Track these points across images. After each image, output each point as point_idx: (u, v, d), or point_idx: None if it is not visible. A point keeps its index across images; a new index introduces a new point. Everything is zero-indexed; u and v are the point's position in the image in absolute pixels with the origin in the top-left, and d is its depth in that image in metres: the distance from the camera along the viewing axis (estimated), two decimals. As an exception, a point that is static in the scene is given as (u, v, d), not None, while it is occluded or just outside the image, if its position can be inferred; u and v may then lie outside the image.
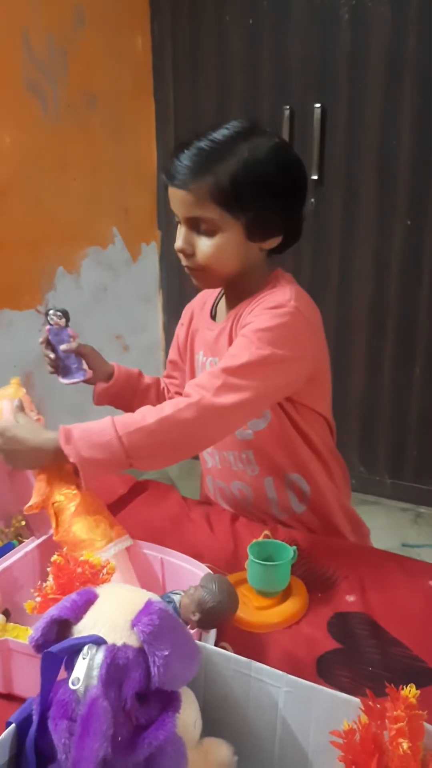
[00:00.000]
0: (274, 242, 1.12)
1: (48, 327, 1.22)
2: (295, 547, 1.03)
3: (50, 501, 1.01)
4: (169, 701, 0.64)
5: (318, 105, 2.34)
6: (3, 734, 0.62)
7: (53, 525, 1.00)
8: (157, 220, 2.76)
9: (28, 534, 1.07)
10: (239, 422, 1.11)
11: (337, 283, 2.50)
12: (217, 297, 1.27)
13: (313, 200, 2.44)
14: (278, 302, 1.09)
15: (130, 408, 1.32)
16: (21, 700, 0.81)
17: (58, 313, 1.21)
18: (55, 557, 0.84)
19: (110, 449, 0.99)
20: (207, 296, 1.30)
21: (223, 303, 1.24)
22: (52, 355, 1.23)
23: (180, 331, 1.34)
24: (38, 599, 0.82)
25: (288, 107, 2.39)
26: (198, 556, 1.01)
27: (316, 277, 2.50)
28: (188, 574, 0.96)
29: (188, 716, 0.67)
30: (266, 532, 1.14)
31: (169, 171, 1.09)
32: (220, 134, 1.07)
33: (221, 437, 1.14)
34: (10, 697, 0.82)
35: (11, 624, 0.89)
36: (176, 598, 0.86)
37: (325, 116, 2.36)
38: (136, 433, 0.99)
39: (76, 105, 2.29)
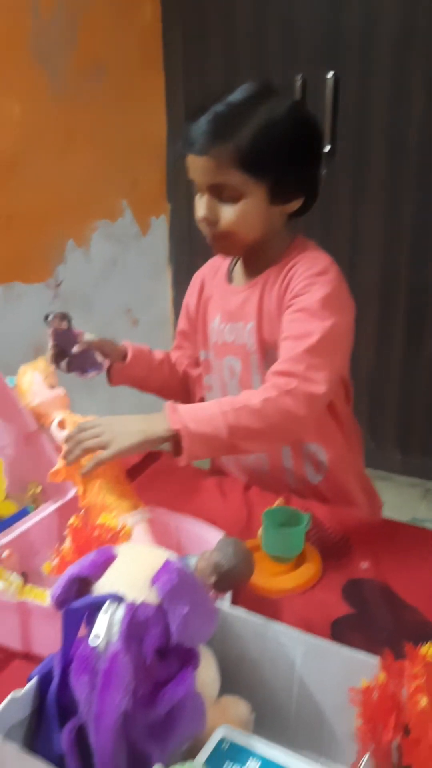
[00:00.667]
0: (295, 205, 1.11)
1: (52, 331, 1.18)
2: (309, 514, 1.04)
3: (77, 468, 1.02)
4: (188, 658, 0.65)
5: (330, 74, 2.31)
6: (25, 688, 0.63)
7: (80, 491, 1.01)
8: (166, 192, 2.74)
9: (44, 500, 1.08)
10: (327, 401, 1.12)
11: (348, 256, 2.48)
12: (231, 263, 1.25)
13: (324, 171, 2.42)
14: (323, 267, 1.10)
15: (146, 385, 1.33)
16: (39, 659, 0.81)
17: (59, 316, 1.17)
18: (72, 520, 0.84)
19: (214, 424, 0.99)
20: (218, 263, 1.29)
21: (240, 268, 1.22)
22: (63, 364, 1.20)
23: (190, 300, 1.32)
24: (56, 561, 0.83)
25: (300, 76, 2.35)
26: (212, 524, 1.02)
27: (325, 249, 2.47)
28: (203, 540, 0.97)
29: (206, 674, 0.67)
30: (280, 500, 1.14)
31: (187, 138, 1.06)
32: (236, 97, 1.05)
33: (316, 420, 1.13)
34: (29, 657, 0.83)
35: (28, 586, 0.90)
36: (192, 561, 0.87)
37: (338, 85, 2.32)
38: (241, 411, 1.00)
39: (84, 75, 2.26)
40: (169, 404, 1.01)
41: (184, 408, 1.01)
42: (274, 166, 1.05)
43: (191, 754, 0.64)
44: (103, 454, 0.97)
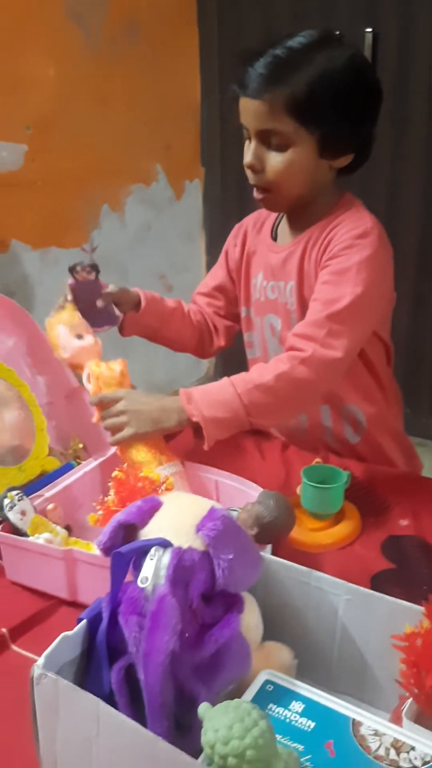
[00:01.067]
0: (345, 161, 1.08)
1: (72, 282, 1.15)
2: (348, 472, 1.04)
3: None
4: (232, 603, 0.66)
5: (369, 30, 2.24)
6: (75, 629, 0.64)
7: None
8: (200, 156, 2.71)
9: (86, 456, 1.09)
10: (346, 367, 1.10)
11: (385, 215, 2.43)
12: (276, 218, 1.23)
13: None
14: (364, 229, 1.07)
15: (157, 336, 1.29)
16: (85, 606, 0.84)
17: (87, 268, 1.16)
18: (116, 473, 0.86)
19: (231, 407, 1.01)
20: (264, 217, 1.26)
21: (285, 225, 1.20)
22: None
23: (233, 251, 1.29)
24: (100, 512, 0.84)
25: (338, 33, 2.29)
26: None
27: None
28: (242, 495, 0.98)
29: (251, 619, 0.69)
30: (318, 459, 1.15)
31: (241, 80, 1.03)
32: (296, 42, 1.01)
33: (334, 386, 1.14)
34: (75, 604, 0.86)
35: (73, 538, 0.92)
36: (234, 514, 0.88)
37: (376, 42, 2.26)
38: (255, 390, 1.01)
39: (118, 33, 2.24)
40: (183, 394, 1.02)
41: (198, 395, 1.02)
42: (327, 117, 1.02)
43: (236, 696, 0.65)
44: (118, 435, 1.01)
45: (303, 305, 1.15)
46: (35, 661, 0.77)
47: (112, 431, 1.02)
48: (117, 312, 1.21)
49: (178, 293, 2.79)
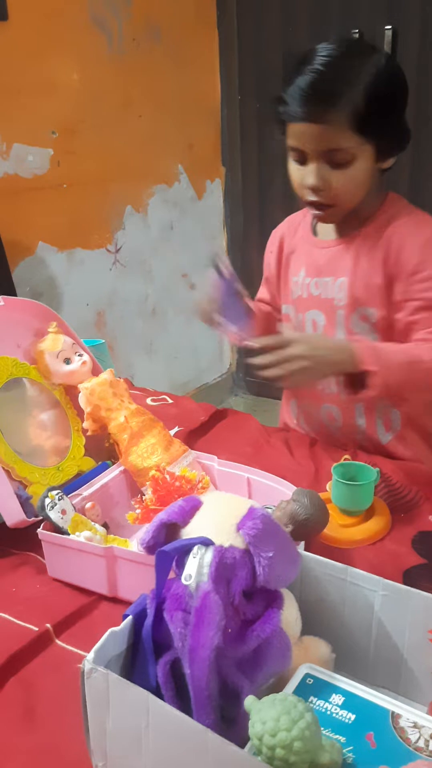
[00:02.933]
0: (392, 161, 1.11)
1: (217, 278, 1.10)
2: (378, 469, 1.05)
3: (107, 432, 1.06)
4: (272, 599, 0.68)
5: (389, 27, 2.25)
6: (122, 624, 0.67)
7: (122, 447, 1.05)
8: (221, 156, 2.73)
9: (118, 454, 1.12)
10: None
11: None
12: (313, 217, 1.24)
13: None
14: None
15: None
16: (125, 602, 0.87)
17: (228, 263, 1.10)
18: (153, 472, 0.88)
19: (402, 372, 1.04)
20: (299, 219, 1.29)
21: (326, 225, 1.21)
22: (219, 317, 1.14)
23: (270, 258, 1.32)
24: (139, 511, 0.87)
25: (357, 30, 2.30)
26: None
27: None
28: (274, 493, 1.00)
29: (290, 614, 0.70)
30: (347, 456, 1.16)
31: (294, 107, 1.03)
32: (333, 57, 1.02)
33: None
34: (115, 600, 0.88)
35: (111, 536, 0.95)
36: (268, 512, 0.89)
37: (396, 39, 2.26)
38: (413, 365, 1.04)
39: (140, 38, 2.26)
40: (361, 344, 1.04)
41: (374, 349, 1.03)
42: (383, 123, 1.04)
43: (276, 690, 0.67)
44: (298, 381, 1.03)
45: (353, 301, 1.17)
46: (79, 655, 0.80)
47: (285, 377, 0.99)
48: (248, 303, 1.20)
49: (201, 291, 2.81)
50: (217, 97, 2.64)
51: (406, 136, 1.10)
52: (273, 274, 1.32)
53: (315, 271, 1.21)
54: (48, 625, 0.83)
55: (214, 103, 2.64)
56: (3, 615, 0.86)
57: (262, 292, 1.39)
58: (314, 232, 1.24)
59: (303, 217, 1.28)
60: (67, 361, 1.09)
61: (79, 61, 2.07)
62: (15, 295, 1.86)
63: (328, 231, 1.21)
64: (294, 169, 1.10)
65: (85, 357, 1.11)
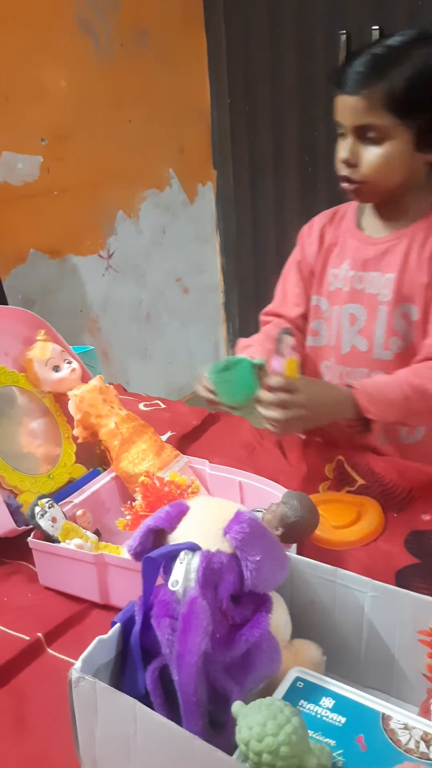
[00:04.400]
0: None
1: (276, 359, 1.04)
2: (261, 361, 1.03)
3: (97, 439, 1.06)
4: (261, 603, 0.67)
5: (376, 27, 2.25)
6: (110, 632, 0.66)
7: (113, 454, 1.05)
8: (212, 158, 2.73)
9: (110, 461, 1.11)
10: None
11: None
12: (359, 211, 1.25)
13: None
14: None
15: None
16: (116, 609, 0.86)
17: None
18: (143, 478, 0.88)
19: (398, 407, 1.07)
20: (342, 212, 1.28)
21: (374, 218, 1.22)
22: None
23: (309, 249, 1.29)
24: (129, 517, 0.86)
25: (344, 31, 2.30)
26: (273, 481, 1.04)
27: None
28: (266, 496, 0.99)
29: (279, 617, 0.70)
30: (340, 457, 1.16)
31: (339, 78, 1.07)
32: (394, 41, 1.06)
33: None
34: (107, 607, 0.88)
35: (103, 543, 0.95)
36: (258, 515, 0.89)
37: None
38: (423, 395, 1.06)
39: (127, 42, 2.26)
40: (360, 392, 1.05)
41: (373, 393, 1.06)
42: (426, 110, 1.05)
43: (266, 694, 0.67)
44: (291, 429, 1.05)
45: (399, 298, 1.17)
46: (71, 663, 0.79)
47: (274, 423, 1.01)
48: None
49: (195, 295, 2.82)
50: (207, 99, 2.64)
51: None
52: (310, 266, 1.30)
53: (361, 265, 1.21)
54: (39, 634, 0.83)
55: (204, 106, 2.64)
56: (-6, 624, 0.86)
57: (282, 302, 1.34)
58: (360, 227, 1.24)
59: (345, 211, 1.28)
60: (56, 368, 1.09)
61: (67, 66, 2.07)
62: (6, 303, 1.86)
63: (377, 227, 1.22)
64: (338, 146, 1.12)
65: (75, 364, 1.10)
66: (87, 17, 2.10)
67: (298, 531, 0.85)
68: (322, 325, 1.28)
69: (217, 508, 0.71)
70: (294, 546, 0.90)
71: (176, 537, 0.69)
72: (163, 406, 1.48)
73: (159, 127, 2.45)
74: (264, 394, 1.00)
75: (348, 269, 1.22)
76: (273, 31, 2.46)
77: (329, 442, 1.27)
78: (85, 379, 1.12)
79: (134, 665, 0.66)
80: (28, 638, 0.83)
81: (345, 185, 1.13)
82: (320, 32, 2.36)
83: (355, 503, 1.06)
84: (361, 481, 1.14)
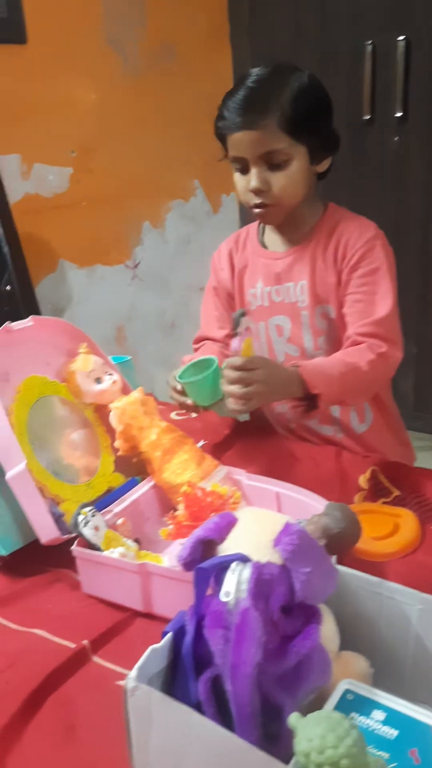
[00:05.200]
0: (325, 164, 1.22)
1: (236, 337, 1.13)
2: (214, 359, 1.15)
3: (138, 451, 1.07)
4: (311, 614, 0.68)
5: (402, 38, 2.26)
6: (161, 642, 0.67)
7: (155, 466, 1.05)
8: (236, 169, 2.75)
9: (151, 472, 1.12)
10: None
11: (420, 222, 2.44)
12: (258, 233, 1.34)
13: (397, 138, 2.38)
14: (374, 232, 1.23)
15: None
16: (159, 618, 0.87)
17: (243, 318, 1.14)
18: (185, 488, 0.88)
19: (339, 383, 1.14)
20: (243, 236, 1.38)
21: (275, 236, 1.31)
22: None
23: (222, 275, 1.38)
24: (171, 527, 0.87)
25: (370, 42, 2.31)
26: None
27: (398, 216, 2.44)
28: (304, 506, 1.00)
29: (328, 629, 0.71)
30: (374, 467, 1.17)
31: (231, 119, 1.15)
32: (260, 75, 1.15)
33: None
34: (150, 616, 0.89)
35: (143, 551, 0.95)
36: (299, 525, 0.90)
37: (409, 49, 2.27)
38: (355, 372, 1.15)
39: (154, 56, 2.29)
40: (305, 369, 1.11)
41: (315, 370, 1.12)
42: (313, 126, 1.16)
43: (316, 706, 0.68)
44: (246, 405, 1.07)
45: (314, 301, 1.27)
46: (116, 672, 0.81)
47: (238, 398, 1.06)
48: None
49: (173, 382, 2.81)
50: (232, 111, 2.66)
51: (335, 139, 1.22)
52: (228, 290, 1.39)
53: (274, 279, 1.30)
54: (85, 642, 0.84)
55: (229, 118, 2.66)
56: (39, 632, 0.87)
57: (207, 328, 1.43)
58: (264, 246, 1.33)
59: (247, 234, 1.37)
60: (98, 380, 1.11)
61: (95, 81, 2.10)
62: (39, 312, 1.88)
63: (278, 243, 1.31)
64: (238, 179, 1.21)
65: (116, 376, 1.12)
66: (115, 34, 2.13)
67: (341, 543, 0.85)
68: (254, 343, 1.34)
69: (265, 520, 0.72)
70: (333, 558, 0.90)
71: (226, 548, 0.70)
72: (194, 415, 1.49)
73: (184, 139, 2.47)
74: (227, 372, 1.07)
75: (263, 286, 1.32)
76: (298, 44, 2.47)
77: (276, 422, 1.38)
78: (125, 391, 1.13)
79: (186, 675, 0.67)
80: (73, 646, 0.83)
81: (257, 210, 1.21)
82: (345, 44, 2.37)
83: (391, 514, 1.06)
84: (396, 492, 1.14)
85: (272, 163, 1.15)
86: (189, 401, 1.18)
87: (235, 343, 1.10)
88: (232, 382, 1.06)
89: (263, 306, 1.33)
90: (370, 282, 1.20)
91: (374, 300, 1.20)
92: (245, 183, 1.19)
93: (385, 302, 1.19)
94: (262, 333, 1.35)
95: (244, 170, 1.18)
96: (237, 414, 1.11)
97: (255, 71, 1.17)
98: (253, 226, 1.38)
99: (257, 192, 1.17)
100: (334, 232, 1.25)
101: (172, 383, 1.19)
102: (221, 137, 1.20)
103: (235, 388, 1.06)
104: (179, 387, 1.18)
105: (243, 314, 1.12)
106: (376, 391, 1.31)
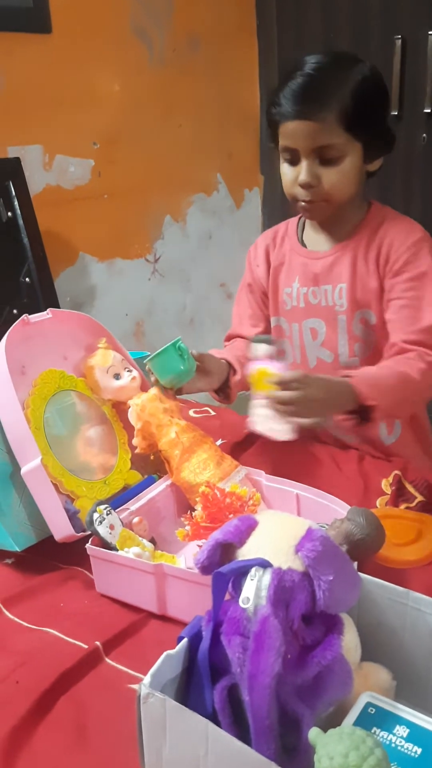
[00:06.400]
0: (378, 163, 1.16)
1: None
2: (178, 341, 1.10)
3: (156, 449, 1.05)
4: (333, 624, 0.66)
5: (432, 32, 2.21)
6: (177, 647, 0.65)
7: (173, 465, 1.03)
8: (260, 164, 2.72)
9: (169, 471, 1.10)
10: None
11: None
12: (298, 230, 1.28)
13: (425, 135, 2.33)
14: (421, 234, 1.17)
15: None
16: (174, 620, 0.85)
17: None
18: (203, 489, 0.86)
19: (393, 395, 1.07)
20: (282, 232, 1.31)
21: (317, 234, 1.25)
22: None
23: (257, 272, 1.32)
24: (188, 527, 0.85)
25: (399, 37, 2.27)
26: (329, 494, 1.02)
27: (425, 212, 2.40)
28: (324, 510, 0.97)
29: (350, 639, 0.68)
30: (397, 472, 1.14)
31: (287, 106, 1.08)
32: (322, 64, 1.09)
33: None
34: (164, 618, 0.87)
35: (159, 552, 0.93)
36: (327, 533, 0.87)
37: (441, 46, 2.23)
38: (408, 382, 1.08)
39: (180, 48, 2.26)
40: (358, 380, 1.05)
41: (369, 380, 1.06)
42: (372, 122, 1.10)
43: (336, 718, 0.65)
44: (301, 421, 1.01)
45: (354, 306, 1.21)
46: (129, 674, 0.79)
47: (289, 414, 1.00)
48: None
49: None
50: (256, 105, 2.63)
51: (390, 138, 1.16)
52: (262, 288, 1.33)
53: (311, 280, 1.24)
54: (98, 643, 0.82)
55: (253, 112, 2.63)
56: (52, 631, 0.85)
57: (239, 325, 1.38)
58: (303, 243, 1.27)
59: (286, 230, 1.31)
60: (117, 376, 1.09)
61: (120, 72, 2.08)
62: (58, 305, 1.87)
63: (318, 242, 1.25)
64: (286, 170, 1.15)
65: (135, 372, 1.10)
66: (141, 24, 2.11)
67: (364, 549, 0.83)
68: (286, 344, 1.30)
69: (287, 524, 0.69)
70: (355, 564, 0.88)
71: (246, 552, 0.67)
72: (212, 413, 1.46)
73: (208, 132, 2.45)
74: (280, 394, 1.00)
75: (299, 287, 1.25)
76: (326, 36, 2.43)
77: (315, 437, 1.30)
78: (144, 387, 1.11)
79: (201, 682, 0.65)
80: (86, 646, 0.82)
81: (302, 204, 1.16)
82: (374, 37, 2.33)
83: (415, 520, 1.03)
84: (420, 498, 1.11)
85: (325, 157, 1.10)
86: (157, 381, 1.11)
87: (247, 369, 1.07)
88: (287, 402, 0.99)
89: (298, 307, 1.27)
90: (417, 287, 1.14)
91: (421, 306, 1.13)
92: (294, 175, 1.13)
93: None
94: (295, 335, 1.29)
95: (294, 161, 1.12)
96: (292, 435, 1.04)
97: (314, 58, 1.10)
98: (293, 221, 1.31)
99: (306, 186, 1.12)
100: (377, 233, 1.18)
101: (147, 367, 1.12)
102: (273, 124, 1.13)
103: (290, 408, 1.00)
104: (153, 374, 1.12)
105: (265, 341, 1.08)
106: (427, 401, 1.25)
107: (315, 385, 1.01)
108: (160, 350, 1.09)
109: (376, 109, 1.12)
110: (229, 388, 1.26)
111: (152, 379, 1.10)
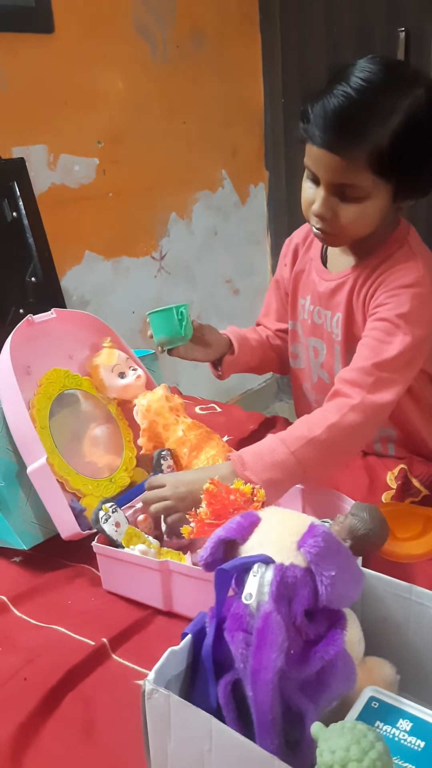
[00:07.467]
0: (409, 202, 1.03)
1: None
2: (186, 305, 1.12)
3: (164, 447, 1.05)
4: (335, 619, 0.66)
5: (441, 27, 2.20)
6: (181, 643, 0.65)
7: (183, 461, 1.04)
8: (264, 160, 2.71)
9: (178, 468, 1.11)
10: (393, 407, 1.04)
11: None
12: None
13: (430, 129, 2.32)
14: (414, 279, 1.03)
15: (248, 368, 1.32)
16: (180, 617, 0.86)
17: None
18: (207, 485, 0.87)
19: (286, 467, 0.96)
20: (311, 233, 1.21)
21: (337, 251, 1.16)
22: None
23: (284, 271, 1.27)
24: (193, 524, 0.85)
25: (403, 29, 2.26)
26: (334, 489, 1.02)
27: (430, 209, 2.39)
28: (328, 505, 0.98)
29: (353, 634, 0.68)
30: (402, 465, 1.14)
31: (315, 129, 0.95)
32: (369, 83, 0.92)
33: (382, 424, 1.11)
34: (170, 614, 0.87)
35: (164, 549, 0.94)
36: (329, 528, 0.87)
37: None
38: (308, 446, 0.96)
39: (183, 45, 2.26)
40: (236, 460, 0.96)
41: (251, 458, 0.96)
42: (409, 165, 0.96)
43: (339, 713, 0.66)
44: (168, 519, 0.96)
45: (349, 338, 1.13)
46: (136, 670, 0.79)
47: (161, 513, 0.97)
48: None
49: (245, 296, 2.81)
50: (260, 100, 2.62)
51: (430, 184, 1.01)
52: (285, 287, 1.28)
53: (317, 300, 1.18)
54: (104, 640, 0.83)
55: (257, 107, 2.63)
56: (59, 628, 0.86)
57: (265, 315, 1.36)
58: (323, 256, 1.19)
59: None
60: (122, 375, 1.09)
61: (123, 70, 2.08)
62: (64, 304, 1.87)
63: (339, 260, 1.15)
64: (306, 187, 1.03)
65: (140, 371, 1.11)
66: (143, 21, 2.11)
67: (367, 544, 0.83)
68: (299, 349, 1.28)
69: (289, 520, 0.69)
70: (359, 559, 0.88)
71: (248, 549, 0.68)
72: (218, 409, 1.47)
73: (212, 129, 2.45)
74: (144, 495, 0.98)
75: (310, 303, 1.20)
76: (329, 31, 2.42)
77: None
78: (149, 385, 1.12)
79: (205, 678, 0.65)
80: (93, 643, 0.82)
81: (315, 231, 1.06)
82: (378, 30, 2.32)
83: (420, 515, 1.04)
84: (425, 492, 1.11)
85: (345, 195, 0.98)
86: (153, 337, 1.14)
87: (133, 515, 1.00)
88: (147, 501, 0.97)
89: (307, 322, 1.22)
90: (379, 328, 1.03)
91: (376, 348, 1.02)
92: (311, 197, 1.01)
93: (387, 352, 1.01)
94: (304, 348, 1.25)
95: (315, 182, 1.01)
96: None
97: (362, 69, 0.93)
98: None
99: (320, 217, 1.01)
100: (378, 267, 1.07)
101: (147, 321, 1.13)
102: (300, 134, 1.00)
103: (151, 507, 0.97)
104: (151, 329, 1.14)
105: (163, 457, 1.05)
106: (363, 445, 1.18)
107: (165, 485, 0.97)
108: (162, 308, 1.11)
109: (419, 152, 0.95)
110: (221, 364, 1.25)
111: (148, 333, 1.13)
